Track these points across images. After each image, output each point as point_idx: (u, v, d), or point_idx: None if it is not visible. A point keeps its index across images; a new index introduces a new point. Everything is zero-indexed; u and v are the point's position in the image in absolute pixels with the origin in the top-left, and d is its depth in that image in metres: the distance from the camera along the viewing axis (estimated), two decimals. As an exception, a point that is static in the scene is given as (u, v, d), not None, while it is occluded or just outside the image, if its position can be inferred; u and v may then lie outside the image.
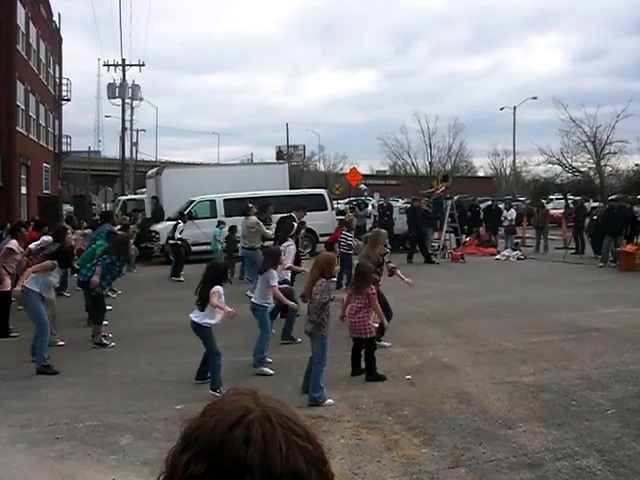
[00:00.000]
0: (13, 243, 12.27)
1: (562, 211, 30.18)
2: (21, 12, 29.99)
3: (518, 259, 22.76)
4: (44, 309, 9.84)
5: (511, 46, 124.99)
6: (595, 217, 22.84)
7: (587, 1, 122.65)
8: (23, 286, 9.66)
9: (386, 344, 10.18)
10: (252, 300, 9.65)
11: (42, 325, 9.67)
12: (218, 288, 8.24)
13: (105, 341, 11.14)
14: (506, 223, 25.53)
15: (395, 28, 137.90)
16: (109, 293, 13.74)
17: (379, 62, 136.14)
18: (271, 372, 9.09)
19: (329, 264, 8.34)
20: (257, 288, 9.72)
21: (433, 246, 24.04)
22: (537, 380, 8.36)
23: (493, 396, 7.81)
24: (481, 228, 27.03)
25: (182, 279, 18.24)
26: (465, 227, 26.40)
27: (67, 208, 37.63)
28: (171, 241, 19.51)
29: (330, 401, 7.69)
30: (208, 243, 20.52)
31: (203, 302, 8.25)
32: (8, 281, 11.97)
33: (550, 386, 8.09)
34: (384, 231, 11.40)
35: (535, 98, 54.13)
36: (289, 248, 12.00)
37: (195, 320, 8.30)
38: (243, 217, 16.90)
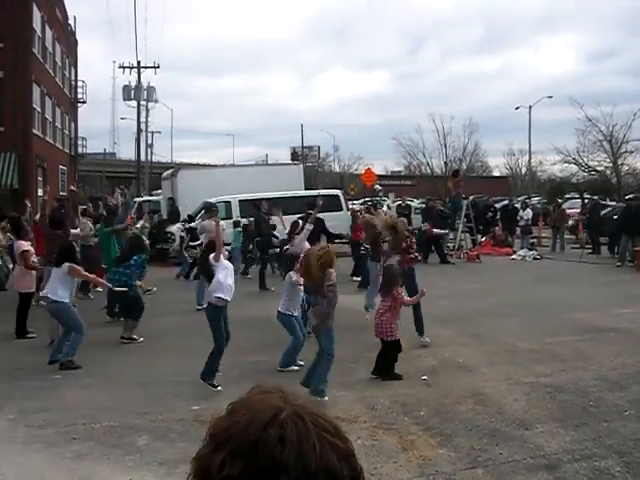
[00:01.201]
0: (23, 244, 12.25)
1: (579, 211, 30.01)
2: (37, 15, 30.19)
3: (534, 259, 22.64)
4: (76, 312, 10.17)
5: (523, 46, 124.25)
6: (615, 216, 22.66)
7: (598, 0, 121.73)
8: (55, 301, 9.87)
9: (426, 340, 10.40)
10: (278, 309, 9.56)
11: (80, 327, 9.96)
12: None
13: (134, 336, 11.40)
14: (522, 223, 25.41)
15: (406, 29, 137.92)
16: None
17: (391, 63, 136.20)
18: (296, 368, 9.10)
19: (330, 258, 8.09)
20: (283, 295, 9.61)
21: (449, 246, 23.96)
22: (554, 381, 8.30)
23: (510, 397, 7.77)
24: (497, 228, 26.92)
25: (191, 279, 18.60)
26: (481, 227, 26.30)
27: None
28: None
29: (326, 399, 7.69)
30: (228, 244, 20.65)
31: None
32: (31, 281, 12.07)
33: (567, 387, 8.03)
34: (402, 218, 11.54)
35: (550, 97, 53.86)
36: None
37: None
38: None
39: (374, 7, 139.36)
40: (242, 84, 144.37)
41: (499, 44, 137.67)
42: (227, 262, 8.92)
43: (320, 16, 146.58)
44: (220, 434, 1.10)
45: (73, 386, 8.84)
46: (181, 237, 20.80)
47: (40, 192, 30.23)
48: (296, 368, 9.13)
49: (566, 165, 52.52)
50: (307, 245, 11.13)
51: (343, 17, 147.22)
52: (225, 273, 8.64)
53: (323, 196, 25.30)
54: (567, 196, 42.20)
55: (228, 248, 18.55)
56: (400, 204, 28.43)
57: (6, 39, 27.05)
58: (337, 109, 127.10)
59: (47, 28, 32.85)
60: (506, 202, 31.15)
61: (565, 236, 25.65)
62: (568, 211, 28.53)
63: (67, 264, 10.02)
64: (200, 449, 1.12)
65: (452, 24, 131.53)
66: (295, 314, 9.38)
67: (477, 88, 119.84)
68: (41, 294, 10.44)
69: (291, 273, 9.50)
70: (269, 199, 21.41)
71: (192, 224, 19.65)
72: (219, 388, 8.24)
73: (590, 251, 23.21)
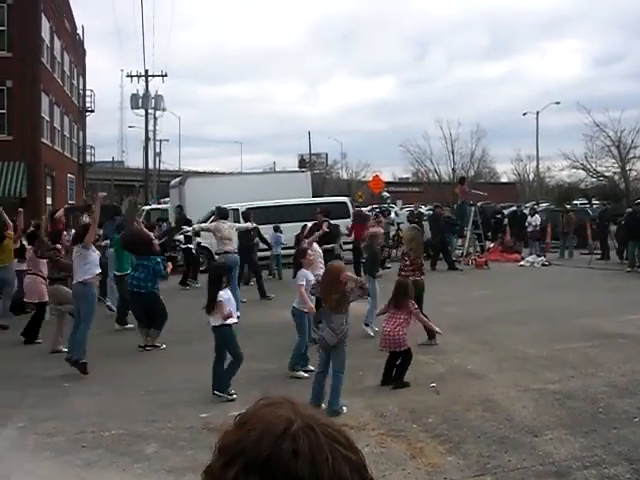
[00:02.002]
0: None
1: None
2: (46, 25, 30.37)
3: (543, 265, 22.58)
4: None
5: (528, 51, 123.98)
6: (623, 222, 22.59)
7: (602, 5, 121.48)
8: (82, 282, 9.96)
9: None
10: (293, 304, 9.70)
11: (91, 320, 10.07)
12: (221, 295, 8.34)
13: (157, 343, 11.46)
14: (530, 229, 25.35)
15: (412, 35, 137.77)
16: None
17: (397, 69, 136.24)
18: (306, 375, 9.12)
19: (339, 274, 7.99)
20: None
21: (457, 253, 23.92)
22: (563, 387, 8.27)
23: (518, 403, 7.75)
24: (506, 234, 26.85)
25: (197, 284, 19.08)
26: (489, 233, 26.25)
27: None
28: (183, 245, 20.00)
29: (345, 410, 7.65)
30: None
31: (211, 307, 8.42)
32: (44, 290, 12.13)
33: (576, 393, 8.00)
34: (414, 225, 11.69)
35: (558, 103, 53.83)
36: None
37: (215, 324, 8.43)
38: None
39: (378, 13, 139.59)
40: (249, 91, 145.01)
41: (505, 49, 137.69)
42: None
43: (324, 23, 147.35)
44: (231, 448, 1.09)
45: (82, 394, 8.87)
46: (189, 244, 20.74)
47: (49, 201, 30.38)
48: (306, 375, 9.14)
49: (574, 171, 52.48)
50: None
51: (348, 23, 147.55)
52: (227, 291, 8.65)
53: (331, 203, 25.50)
54: (575, 202, 42.10)
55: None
56: (412, 211, 28.41)
57: (15, 49, 27.24)
58: (344, 115, 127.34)
59: (56, 38, 33.05)
60: (514, 208, 31.10)
61: (573, 242, 25.55)
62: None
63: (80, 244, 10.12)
64: (210, 463, 1.11)
65: (458, 29, 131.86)
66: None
67: (484, 93, 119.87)
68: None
69: (301, 272, 9.60)
70: (277, 207, 21.47)
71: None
72: (235, 396, 8.23)
73: (599, 257, 23.12)
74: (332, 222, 15.18)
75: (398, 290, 9.19)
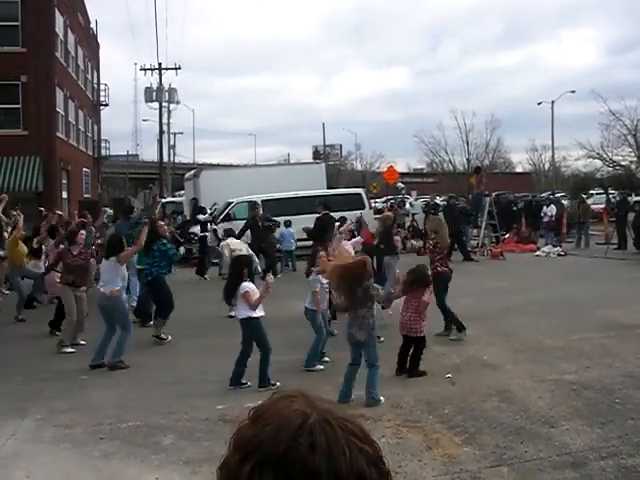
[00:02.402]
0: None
1: (603, 206, 29.70)
2: (59, 20, 30.46)
3: (559, 255, 22.45)
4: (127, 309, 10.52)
5: (542, 40, 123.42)
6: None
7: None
8: (114, 290, 9.97)
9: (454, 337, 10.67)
10: (305, 304, 9.72)
11: (129, 326, 10.14)
12: (246, 286, 8.36)
13: (164, 336, 11.47)
14: (546, 219, 25.21)
15: (425, 25, 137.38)
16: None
17: (411, 60, 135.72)
18: (322, 367, 9.22)
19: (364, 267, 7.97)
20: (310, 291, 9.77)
21: (472, 244, 23.85)
22: (579, 378, 8.24)
23: (535, 394, 7.73)
24: (521, 224, 26.74)
25: (205, 278, 19.38)
26: (504, 224, 26.15)
27: (107, 212, 38.10)
28: (200, 234, 20.09)
29: (382, 399, 7.72)
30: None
31: (229, 299, 8.51)
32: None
33: (593, 384, 7.97)
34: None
35: (573, 92, 53.41)
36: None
37: (242, 317, 8.48)
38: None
39: (391, 4, 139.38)
40: (262, 83, 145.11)
41: (518, 38, 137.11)
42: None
43: (338, 14, 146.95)
44: (247, 443, 1.08)
45: (99, 386, 8.93)
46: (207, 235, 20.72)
47: (64, 195, 30.54)
48: (322, 367, 9.18)
49: (590, 160, 52.03)
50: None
51: (360, 15, 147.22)
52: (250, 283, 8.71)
53: (345, 195, 25.48)
54: (592, 192, 41.80)
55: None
56: (428, 202, 28.34)
57: (29, 44, 27.32)
58: (358, 106, 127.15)
59: (69, 32, 33.14)
60: (529, 198, 30.93)
61: (589, 232, 25.37)
62: (593, 207, 28.28)
63: (114, 257, 10.15)
64: (225, 458, 1.11)
65: (471, 19, 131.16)
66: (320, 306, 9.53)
67: (498, 83, 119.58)
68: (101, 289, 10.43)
69: (314, 270, 9.59)
70: (292, 199, 21.46)
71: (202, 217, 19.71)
72: (278, 383, 8.28)
73: (616, 247, 22.94)
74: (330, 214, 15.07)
75: (415, 277, 9.19)
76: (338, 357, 9.08)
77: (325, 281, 9.37)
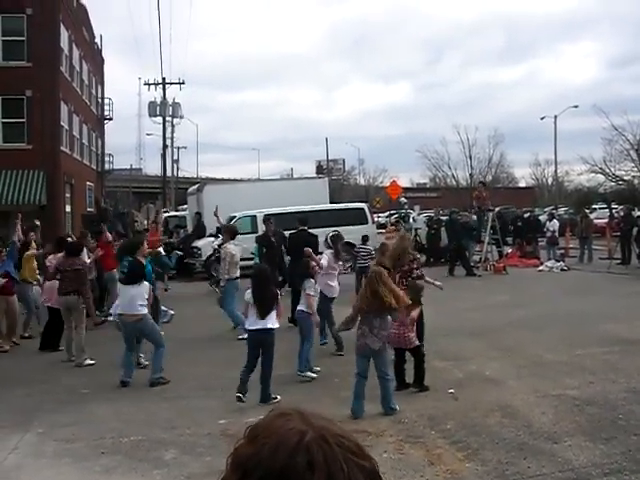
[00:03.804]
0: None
1: (606, 221, 29.67)
2: (64, 35, 30.63)
3: (562, 270, 22.43)
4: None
5: (543, 54, 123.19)
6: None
7: (616, 7, 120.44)
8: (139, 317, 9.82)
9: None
10: (298, 307, 9.94)
11: (162, 341, 9.99)
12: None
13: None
14: (549, 234, 25.19)
15: (426, 39, 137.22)
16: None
17: (412, 74, 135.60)
18: (314, 375, 9.37)
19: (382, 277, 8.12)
20: (302, 297, 9.97)
21: (475, 259, 23.84)
22: (582, 393, 8.22)
23: (537, 410, 7.70)
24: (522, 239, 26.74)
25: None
26: (507, 239, 26.15)
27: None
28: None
29: (397, 408, 7.83)
30: (251, 258, 20.64)
31: (269, 310, 8.47)
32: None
33: (596, 399, 7.94)
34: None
35: (576, 107, 53.56)
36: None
37: (262, 327, 8.47)
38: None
39: (391, 18, 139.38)
40: (265, 98, 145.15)
41: (520, 53, 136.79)
42: None
43: (339, 29, 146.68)
44: (245, 462, 1.09)
45: (101, 400, 8.92)
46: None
47: (68, 208, 30.60)
48: (314, 375, 9.31)
49: (593, 175, 52.18)
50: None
51: (361, 29, 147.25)
52: None
53: (348, 209, 25.51)
54: (595, 206, 41.81)
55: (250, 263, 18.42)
56: (431, 217, 28.34)
57: (34, 59, 27.46)
58: (360, 121, 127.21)
59: (74, 47, 33.31)
60: (527, 213, 30.93)
61: (593, 247, 25.34)
62: (596, 221, 28.24)
63: (146, 283, 10.09)
64: (223, 478, 1.12)
65: (472, 33, 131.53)
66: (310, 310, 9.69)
67: (499, 97, 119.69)
68: (113, 313, 10.38)
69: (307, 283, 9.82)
70: (295, 213, 21.43)
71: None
72: (279, 397, 8.36)
73: (619, 261, 22.90)
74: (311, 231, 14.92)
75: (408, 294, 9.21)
76: (345, 371, 9.08)
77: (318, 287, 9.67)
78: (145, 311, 9.84)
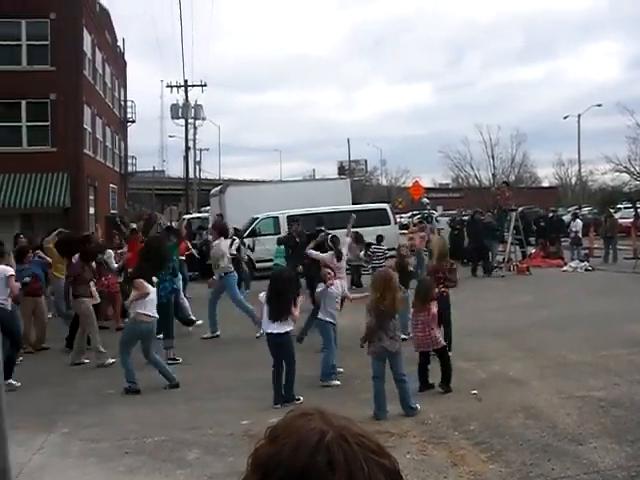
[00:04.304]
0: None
1: (631, 220, 29.36)
2: (87, 39, 30.90)
3: (586, 270, 22.21)
4: None
5: (563, 54, 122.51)
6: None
7: (633, 7, 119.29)
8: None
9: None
10: (318, 316, 9.93)
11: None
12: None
13: (175, 356, 11.33)
14: (572, 234, 24.98)
15: (446, 40, 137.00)
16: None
17: (433, 75, 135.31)
18: (338, 382, 9.29)
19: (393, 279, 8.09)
20: (322, 304, 9.92)
21: (498, 260, 23.69)
22: (608, 395, 8.13)
23: (562, 411, 7.63)
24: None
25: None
26: (530, 239, 25.96)
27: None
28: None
29: (418, 407, 7.86)
30: (270, 260, 20.62)
31: (281, 314, 8.47)
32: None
33: (622, 401, 7.85)
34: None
35: (600, 105, 52.91)
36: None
37: (275, 332, 8.50)
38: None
39: (412, 19, 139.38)
40: (286, 99, 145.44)
41: (539, 52, 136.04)
42: None
43: (360, 30, 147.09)
44: (266, 462, 1.09)
45: (125, 401, 8.98)
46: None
47: (92, 211, 30.86)
48: (338, 382, 9.26)
49: (617, 174, 51.63)
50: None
51: (382, 30, 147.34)
52: None
53: (371, 210, 25.47)
54: (619, 206, 41.39)
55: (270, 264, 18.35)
56: (454, 217, 28.22)
57: (58, 62, 27.74)
58: (382, 121, 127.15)
59: (97, 51, 33.60)
60: (550, 213, 30.70)
61: (618, 246, 25.09)
62: (621, 221, 27.97)
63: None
64: (244, 478, 1.12)
65: (491, 33, 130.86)
66: (330, 319, 9.67)
67: (521, 96, 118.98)
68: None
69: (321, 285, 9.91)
70: (317, 214, 21.47)
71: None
72: (301, 398, 8.38)
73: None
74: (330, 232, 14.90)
75: (418, 290, 9.28)
76: (354, 369, 9.06)
77: (336, 292, 9.75)
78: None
